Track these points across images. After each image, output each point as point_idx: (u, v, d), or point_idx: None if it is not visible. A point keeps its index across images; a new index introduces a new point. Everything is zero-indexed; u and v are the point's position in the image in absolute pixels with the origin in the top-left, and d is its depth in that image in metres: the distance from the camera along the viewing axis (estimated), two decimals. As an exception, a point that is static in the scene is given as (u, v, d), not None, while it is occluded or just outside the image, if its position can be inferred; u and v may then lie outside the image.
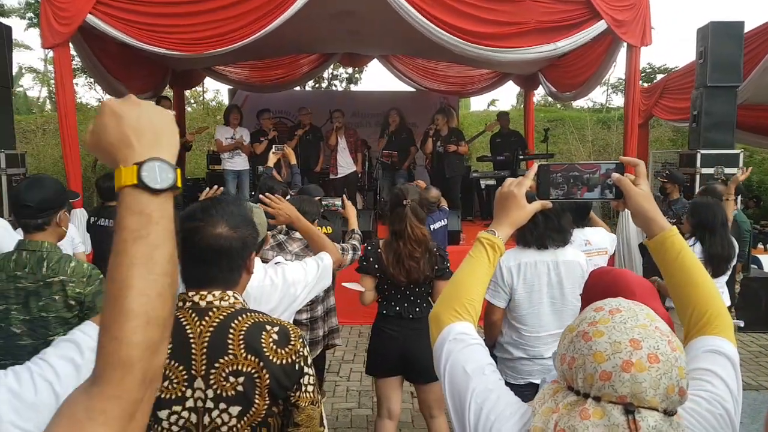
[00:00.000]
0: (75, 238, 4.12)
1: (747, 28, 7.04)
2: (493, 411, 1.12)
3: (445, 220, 5.37)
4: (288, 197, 3.71)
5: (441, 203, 5.41)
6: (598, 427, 0.93)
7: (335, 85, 18.93)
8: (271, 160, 5.22)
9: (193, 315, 1.44)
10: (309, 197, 3.71)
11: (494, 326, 3.09)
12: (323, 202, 3.71)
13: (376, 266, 3.22)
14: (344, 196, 3.84)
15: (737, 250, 3.94)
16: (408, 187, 3.33)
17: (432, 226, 4.36)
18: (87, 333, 1.06)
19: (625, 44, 6.65)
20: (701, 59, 6.89)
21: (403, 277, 3.17)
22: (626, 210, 1.45)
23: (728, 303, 3.97)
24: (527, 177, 1.40)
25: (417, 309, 3.24)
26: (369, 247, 3.29)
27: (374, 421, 3.45)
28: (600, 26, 6.42)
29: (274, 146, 5.60)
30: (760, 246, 7.44)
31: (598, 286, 1.64)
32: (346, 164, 8.80)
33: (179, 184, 0.80)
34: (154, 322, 0.75)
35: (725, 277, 3.90)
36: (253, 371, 1.41)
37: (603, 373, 0.95)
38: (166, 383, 1.39)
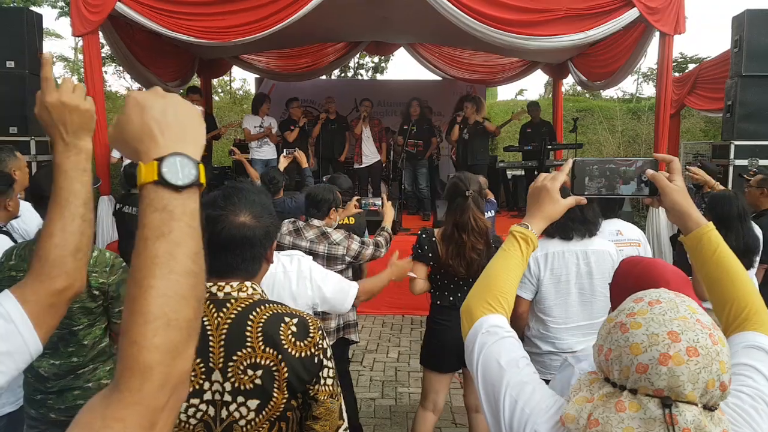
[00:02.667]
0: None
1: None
2: (528, 404, 1.11)
3: (493, 211, 5.28)
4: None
5: (488, 195, 5.34)
6: (633, 420, 0.92)
7: (361, 74, 18.90)
8: (282, 163, 5.22)
9: (211, 306, 1.42)
10: (327, 184, 3.71)
11: (520, 319, 3.03)
12: (362, 201, 3.70)
13: (430, 255, 3.18)
14: (383, 196, 3.80)
15: (761, 240, 3.79)
16: (469, 176, 3.25)
17: None
18: None
19: (657, 32, 6.47)
20: (736, 48, 6.68)
21: (463, 269, 3.11)
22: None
23: None
24: (562, 171, 1.39)
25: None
26: (423, 236, 3.24)
27: (416, 411, 3.43)
28: (632, 14, 6.25)
29: (285, 149, 5.58)
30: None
31: (631, 276, 1.60)
32: (370, 153, 8.79)
33: (203, 180, 0.78)
34: (175, 325, 0.71)
35: (752, 271, 3.77)
36: (271, 364, 1.39)
37: (639, 366, 0.93)
38: (184, 375, 1.38)
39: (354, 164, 8.95)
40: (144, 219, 0.74)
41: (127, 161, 7.36)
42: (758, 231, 3.84)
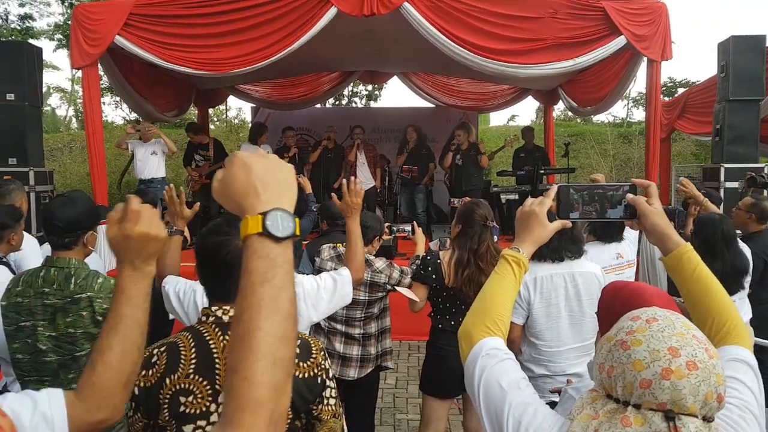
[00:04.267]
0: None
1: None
2: (532, 424, 1.14)
3: (496, 237, 5.30)
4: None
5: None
6: None
7: (355, 102, 19.13)
8: None
9: (217, 330, 1.47)
10: (374, 213, 3.71)
11: (513, 344, 3.05)
12: (393, 228, 3.71)
13: (434, 276, 3.20)
14: (414, 222, 3.81)
15: (750, 262, 3.82)
16: (485, 204, 3.28)
17: None
18: (52, 403, 1.07)
19: (645, 59, 6.64)
20: (723, 73, 6.85)
21: (473, 294, 3.15)
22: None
23: (748, 316, 3.84)
24: (548, 196, 1.46)
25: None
26: (428, 257, 3.25)
27: None
28: (620, 41, 6.42)
29: None
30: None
31: (618, 301, 1.65)
32: (365, 179, 8.87)
33: (298, 232, 0.87)
34: (279, 364, 0.78)
35: (743, 293, 3.79)
36: (275, 385, 1.43)
37: (643, 381, 0.97)
38: (191, 398, 1.42)
39: None
40: (249, 265, 0.82)
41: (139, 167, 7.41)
42: (747, 252, 3.88)
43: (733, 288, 3.69)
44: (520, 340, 3.05)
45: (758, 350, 3.89)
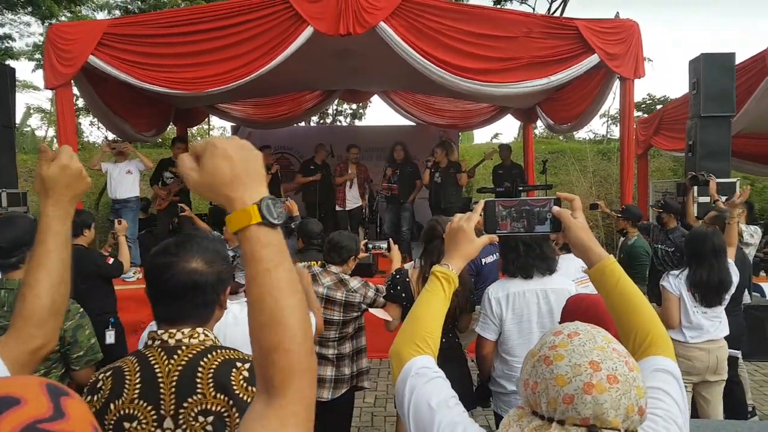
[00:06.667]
0: None
1: (738, 60, 7.13)
2: None
3: (496, 254, 5.24)
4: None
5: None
6: None
7: (340, 120, 19.19)
8: None
9: (162, 353, 1.44)
10: (350, 233, 3.73)
11: (485, 360, 3.04)
12: (369, 245, 3.71)
13: (404, 294, 3.22)
14: (390, 240, 3.82)
15: (735, 280, 3.86)
16: (446, 220, 3.31)
17: (483, 260, 4.29)
18: None
19: (618, 77, 6.74)
20: (694, 90, 6.97)
21: None
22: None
23: (725, 333, 3.86)
24: (475, 212, 1.47)
25: (444, 339, 3.21)
26: (397, 276, 3.28)
27: None
28: (593, 60, 6.53)
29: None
30: (763, 274, 7.37)
31: (577, 313, 1.66)
32: (353, 198, 8.89)
33: (286, 217, 0.94)
34: (308, 334, 0.88)
35: (720, 308, 3.82)
36: (222, 410, 1.39)
37: (566, 397, 0.96)
38: (135, 423, 1.38)
39: (336, 206, 8.99)
40: (257, 254, 0.88)
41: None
42: (734, 271, 3.90)
43: (713, 300, 3.73)
44: (493, 356, 3.04)
45: (729, 362, 3.92)
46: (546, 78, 6.54)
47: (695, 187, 6.42)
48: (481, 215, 1.46)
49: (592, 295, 1.84)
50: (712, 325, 3.76)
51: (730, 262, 3.89)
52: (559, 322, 1.78)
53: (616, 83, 6.99)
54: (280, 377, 0.85)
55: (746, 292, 4.93)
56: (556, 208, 1.41)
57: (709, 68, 6.82)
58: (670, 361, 1.24)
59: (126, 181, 7.46)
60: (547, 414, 1.00)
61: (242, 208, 0.89)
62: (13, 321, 1.15)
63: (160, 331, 1.48)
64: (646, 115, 13.77)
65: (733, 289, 3.85)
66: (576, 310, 1.68)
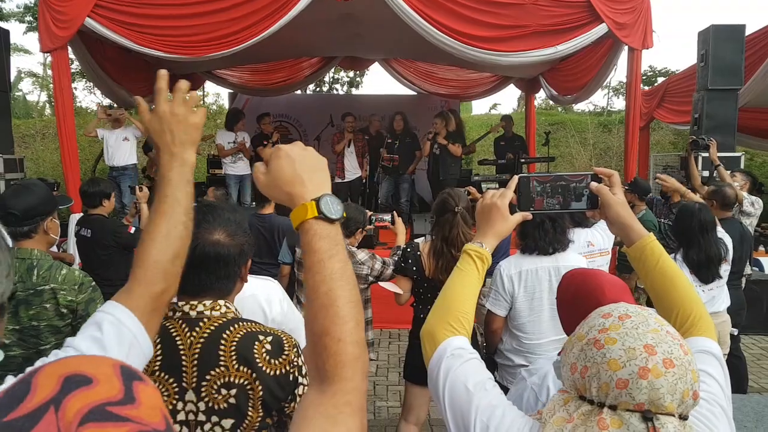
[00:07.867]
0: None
1: (748, 32, 7.01)
2: (500, 428, 1.10)
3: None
4: None
5: None
6: None
7: (336, 89, 18.96)
8: None
9: (183, 325, 1.40)
10: (357, 205, 3.68)
11: (494, 335, 3.05)
12: (372, 217, 3.67)
13: (414, 268, 3.19)
14: (394, 212, 3.77)
15: (727, 252, 3.84)
16: (458, 192, 3.25)
17: None
18: (107, 311, 1.09)
19: (626, 47, 6.62)
20: (702, 62, 6.86)
21: None
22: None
23: (726, 305, 3.86)
24: (509, 188, 1.41)
25: None
26: (408, 249, 3.25)
27: (396, 425, 3.48)
28: (601, 29, 6.39)
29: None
30: (762, 248, 7.38)
31: (571, 287, 1.63)
32: (352, 168, 8.76)
33: (345, 214, 0.99)
34: (360, 324, 0.91)
35: (721, 281, 3.81)
36: (245, 383, 1.37)
37: (619, 381, 0.93)
38: (156, 396, 1.35)
39: (335, 178, 8.88)
40: (314, 245, 0.93)
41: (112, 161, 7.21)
42: (728, 240, 3.89)
43: (707, 277, 3.72)
44: (502, 331, 3.04)
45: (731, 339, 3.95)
46: (553, 47, 6.42)
47: (700, 157, 6.37)
48: (515, 192, 1.40)
49: (587, 269, 1.82)
50: (712, 300, 3.77)
51: (722, 231, 3.87)
52: (556, 300, 1.74)
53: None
54: (331, 363, 0.86)
55: (747, 264, 4.92)
56: (594, 184, 1.35)
57: (719, 40, 6.69)
58: (712, 342, 1.21)
59: (123, 148, 7.35)
60: (598, 399, 0.96)
61: (302, 204, 0.95)
62: (134, 268, 1.15)
63: (180, 303, 1.43)
64: (646, 88, 13.66)
65: (729, 258, 3.83)
66: (571, 284, 1.64)
